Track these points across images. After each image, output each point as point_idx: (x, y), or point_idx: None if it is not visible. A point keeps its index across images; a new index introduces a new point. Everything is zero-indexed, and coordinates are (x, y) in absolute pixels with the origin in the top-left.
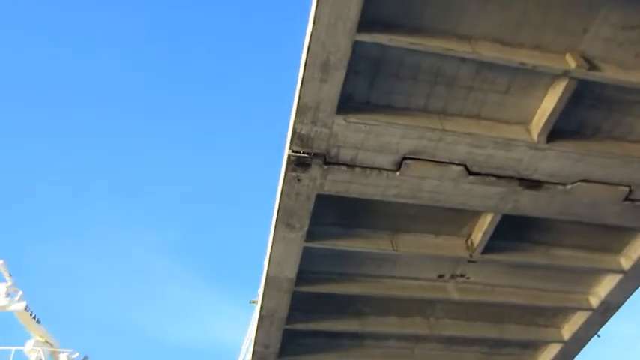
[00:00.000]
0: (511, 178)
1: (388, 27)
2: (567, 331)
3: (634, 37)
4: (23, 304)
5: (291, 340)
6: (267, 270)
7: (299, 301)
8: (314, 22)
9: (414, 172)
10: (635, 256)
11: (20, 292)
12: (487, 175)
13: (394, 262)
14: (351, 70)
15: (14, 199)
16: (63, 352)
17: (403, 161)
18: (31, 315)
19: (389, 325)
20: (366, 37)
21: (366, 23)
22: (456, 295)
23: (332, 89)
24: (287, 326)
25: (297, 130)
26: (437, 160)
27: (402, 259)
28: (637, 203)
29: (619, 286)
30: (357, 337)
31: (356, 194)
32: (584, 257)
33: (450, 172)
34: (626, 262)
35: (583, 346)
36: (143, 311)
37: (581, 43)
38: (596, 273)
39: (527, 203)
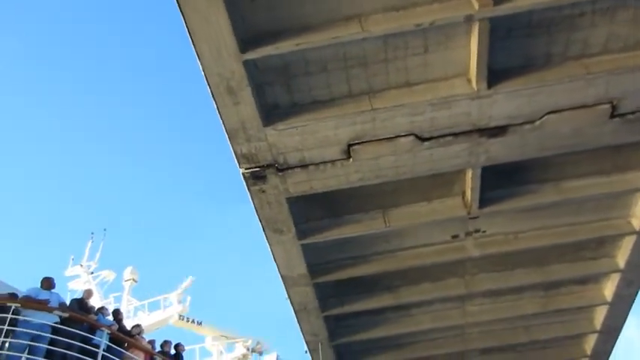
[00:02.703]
0: (469, 132)
1: (274, 36)
2: (621, 259)
3: None
4: (176, 316)
5: (337, 325)
6: (279, 271)
7: (326, 289)
8: (199, 58)
9: (365, 155)
10: None
11: (189, 298)
12: (441, 136)
13: (400, 235)
14: (263, 83)
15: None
16: (238, 340)
17: (350, 148)
18: (187, 320)
19: (424, 292)
20: (252, 55)
21: (252, 40)
22: (475, 252)
23: (248, 108)
24: (325, 313)
25: (238, 151)
26: (382, 137)
27: (406, 230)
28: (629, 116)
29: None
30: (401, 309)
31: (321, 189)
32: (601, 183)
33: (401, 144)
34: None
35: None
36: None
37: None
38: (626, 195)
39: (500, 150)
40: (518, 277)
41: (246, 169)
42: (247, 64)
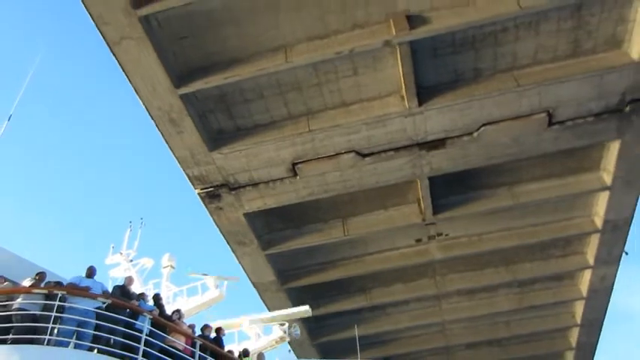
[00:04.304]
0: (409, 146)
1: (205, 70)
2: (590, 256)
3: None
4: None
5: (317, 325)
6: (249, 279)
7: (301, 293)
8: (137, 93)
9: (310, 172)
10: (612, 169)
11: (225, 282)
12: (382, 152)
13: (364, 241)
14: (205, 111)
15: None
16: (275, 323)
17: (294, 166)
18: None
19: (396, 293)
20: (186, 89)
21: (185, 75)
22: (439, 255)
23: (192, 136)
24: None
25: (190, 174)
26: (324, 155)
27: (369, 236)
28: (568, 123)
29: (613, 201)
30: (376, 309)
31: (275, 204)
32: (555, 186)
33: (343, 161)
34: (607, 177)
35: (615, 267)
36: None
37: (398, 4)
38: (584, 196)
39: (442, 162)
40: (489, 276)
41: (201, 189)
42: (185, 97)
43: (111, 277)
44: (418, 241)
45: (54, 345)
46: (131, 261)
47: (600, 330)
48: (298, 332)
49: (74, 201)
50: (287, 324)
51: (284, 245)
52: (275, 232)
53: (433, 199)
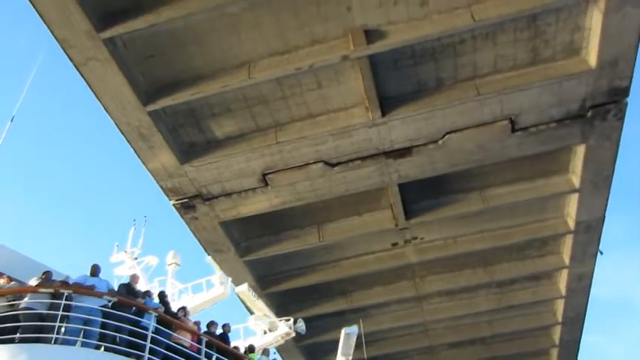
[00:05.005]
0: (376, 155)
1: (172, 87)
2: (566, 256)
3: None
4: (245, 285)
5: None
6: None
7: (283, 298)
8: (106, 110)
9: (281, 182)
10: (579, 172)
11: (230, 279)
12: (349, 161)
13: (340, 246)
14: (176, 126)
15: None
16: (280, 320)
17: (265, 177)
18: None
19: (377, 295)
20: (154, 106)
21: (153, 92)
22: (414, 258)
23: (163, 150)
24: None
25: (164, 187)
26: (293, 166)
27: (345, 241)
28: (532, 129)
29: (583, 203)
30: (359, 311)
31: (248, 213)
32: (526, 189)
33: (312, 171)
34: (576, 180)
35: (592, 266)
36: None
37: (355, 20)
38: (555, 197)
39: (410, 169)
40: (467, 277)
41: (175, 200)
42: (154, 113)
43: (116, 275)
44: (394, 244)
45: (61, 344)
46: (136, 259)
47: (582, 327)
48: (304, 328)
49: (77, 198)
50: (292, 319)
51: (262, 252)
52: (252, 239)
53: (405, 205)
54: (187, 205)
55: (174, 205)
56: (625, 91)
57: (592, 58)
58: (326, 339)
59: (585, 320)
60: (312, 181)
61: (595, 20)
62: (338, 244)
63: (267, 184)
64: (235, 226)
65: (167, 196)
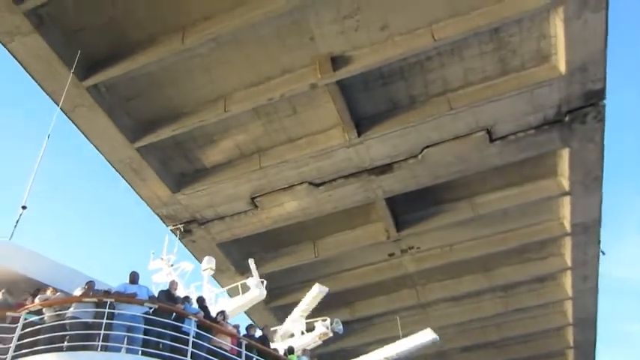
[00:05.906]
0: (358, 173)
1: (155, 125)
2: (568, 257)
3: (361, 17)
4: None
5: None
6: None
7: (287, 310)
8: (98, 149)
9: (270, 204)
10: (567, 175)
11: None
12: (333, 180)
13: (338, 259)
14: (165, 158)
15: None
16: (317, 320)
17: (254, 200)
18: None
19: (380, 305)
20: (140, 143)
21: (139, 130)
22: (412, 267)
23: (154, 182)
24: None
25: (160, 214)
26: (279, 188)
27: (342, 255)
28: (510, 137)
29: (576, 205)
30: (366, 319)
31: (242, 234)
32: (515, 194)
33: (298, 192)
34: (565, 182)
35: (595, 267)
36: None
37: (320, 48)
38: (547, 200)
39: (393, 184)
40: (468, 283)
41: (173, 226)
42: (143, 149)
43: (154, 282)
44: (391, 255)
45: (106, 351)
46: (172, 265)
47: (595, 328)
48: (341, 327)
49: (109, 209)
50: (329, 319)
51: (261, 269)
52: (251, 257)
53: (395, 217)
54: (184, 229)
55: (172, 230)
56: (600, 94)
57: (562, 65)
58: (331, 349)
59: (597, 321)
60: (300, 200)
61: (559, 28)
62: (335, 257)
63: (256, 207)
64: (234, 246)
65: (164, 222)
